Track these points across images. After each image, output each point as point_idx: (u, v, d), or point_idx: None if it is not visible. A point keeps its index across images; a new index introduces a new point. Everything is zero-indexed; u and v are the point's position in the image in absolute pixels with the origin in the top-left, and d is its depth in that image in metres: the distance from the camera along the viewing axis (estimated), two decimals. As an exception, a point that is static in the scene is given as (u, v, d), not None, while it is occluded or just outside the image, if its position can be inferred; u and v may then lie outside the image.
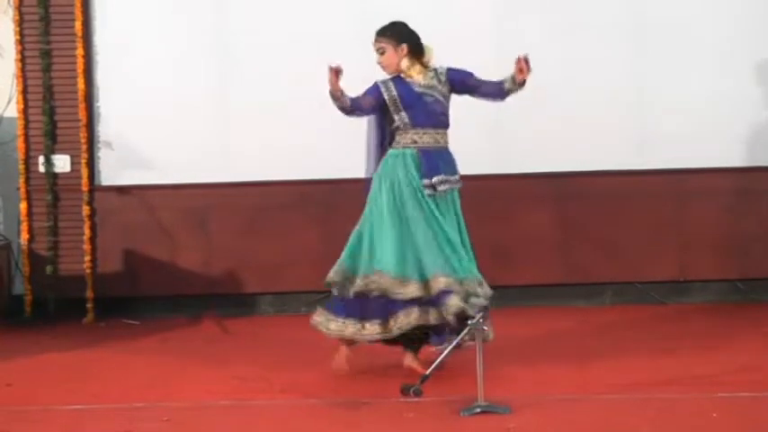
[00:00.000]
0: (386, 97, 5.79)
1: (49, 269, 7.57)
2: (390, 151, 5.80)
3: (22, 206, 7.58)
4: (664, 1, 7.59)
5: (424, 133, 5.76)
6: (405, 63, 5.80)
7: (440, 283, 5.54)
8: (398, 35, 5.82)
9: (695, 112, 7.53)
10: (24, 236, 7.58)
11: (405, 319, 5.57)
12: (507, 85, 5.75)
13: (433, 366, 5.34)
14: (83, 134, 7.55)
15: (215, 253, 7.62)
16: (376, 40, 5.84)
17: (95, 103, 7.67)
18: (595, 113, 7.53)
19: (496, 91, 5.80)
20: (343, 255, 5.77)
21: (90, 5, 7.62)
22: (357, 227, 5.78)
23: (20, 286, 7.66)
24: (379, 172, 5.77)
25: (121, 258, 7.62)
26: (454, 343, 5.36)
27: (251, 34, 7.61)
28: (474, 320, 5.06)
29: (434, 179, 5.68)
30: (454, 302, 5.49)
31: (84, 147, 7.55)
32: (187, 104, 7.58)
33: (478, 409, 4.91)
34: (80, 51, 7.53)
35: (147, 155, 7.59)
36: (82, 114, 7.55)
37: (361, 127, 6.27)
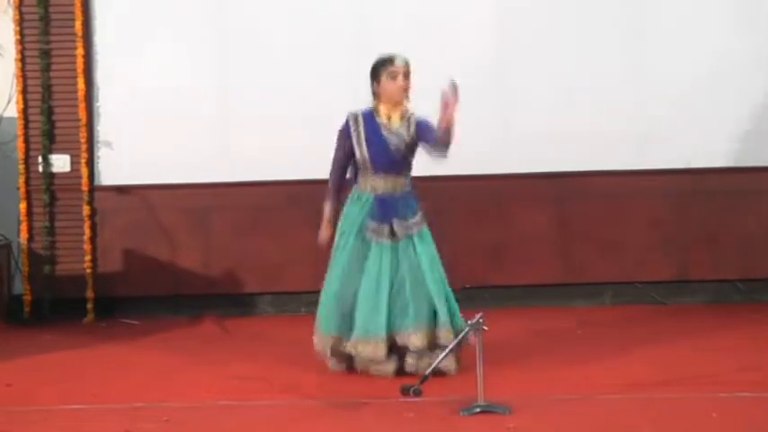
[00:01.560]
0: (352, 131, 5.77)
1: (47, 269, 7.57)
2: (354, 190, 5.84)
3: (22, 206, 7.58)
4: (664, 2, 7.59)
5: (383, 179, 5.75)
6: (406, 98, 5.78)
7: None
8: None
9: (695, 112, 7.53)
10: (24, 236, 7.58)
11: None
12: (436, 144, 5.62)
13: (433, 366, 5.35)
14: (82, 134, 7.55)
15: (215, 253, 7.63)
16: (405, 65, 5.73)
17: (95, 102, 7.66)
18: (595, 113, 7.53)
19: (436, 144, 5.64)
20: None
21: (90, 5, 7.62)
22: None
23: (19, 286, 7.66)
24: (344, 211, 5.82)
25: (121, 258, 7.62)
26: (452, 345, 5.36)
27: (251, 34, 7.60)
28: (474, 321, 5.06)
29: (383, 225, 5.70)
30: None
31: (83, 146, 7.55)
32: (187, 104, 7.58)
33: (478, 409, 4.91)
34: (80, 51, 7.53)
35: (147, 155, 7.58)
36: (82, 114, 7.55)
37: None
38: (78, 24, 7.53)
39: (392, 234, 5.70)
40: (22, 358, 6.38)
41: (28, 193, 7.60)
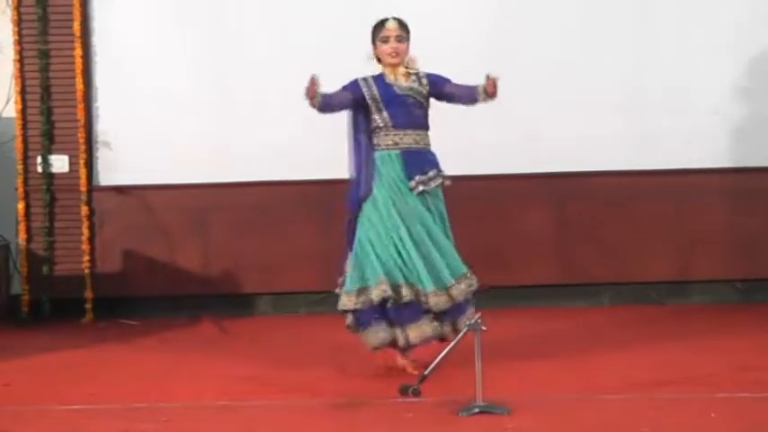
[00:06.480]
0: (366, 95, 5.77)
1: (46, 269, 7.57)
2: (375, 154, 5.79)
3: (20, 206, 7.58)
4: (665, 2, 7.58)
5: (405, 134, 5.76)
6: (409, 59, 5.80)
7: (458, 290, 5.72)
8: (409, 33, 5.84)
9: (695, 112, 7.53)
10: (22, 236, 7.58)
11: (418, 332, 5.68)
12: (480, 96, 5.69)
13: (432, 366, 5.33)
14: (81, 134, 7.55)
15: (214, 253, 7.62)
16: (399, 27, 5.80)
17: (94, 103, 7.67)
18: (595, 113, 7.53)
19: (470, 96, 5.73)
20: (354, 274, 5.69)
21: (88, 6, 7.63)
22: (360, 233, 5.71)
23: (18, 286, 7.65)
24: (374, 170, 5.77)
25: (120, 258, 7.61)
26: (453, 344, 5.35)
27: (251, 34, 7.61)
28: (472, 321, 5.05)
29: (418, 178, 5.69)
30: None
31: (82, 147, 7.55)
32: (186, 104, 7.58)
33: (477, 410, 4.89)
34: (78, 51, 7.53)
35: (146, 155, 7.58)
36: (80, 114, 7.55)
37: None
38: (77, 25, 7.53)
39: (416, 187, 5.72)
40: (20, 358, 6.38)
41: (26, 193, 7.59)
